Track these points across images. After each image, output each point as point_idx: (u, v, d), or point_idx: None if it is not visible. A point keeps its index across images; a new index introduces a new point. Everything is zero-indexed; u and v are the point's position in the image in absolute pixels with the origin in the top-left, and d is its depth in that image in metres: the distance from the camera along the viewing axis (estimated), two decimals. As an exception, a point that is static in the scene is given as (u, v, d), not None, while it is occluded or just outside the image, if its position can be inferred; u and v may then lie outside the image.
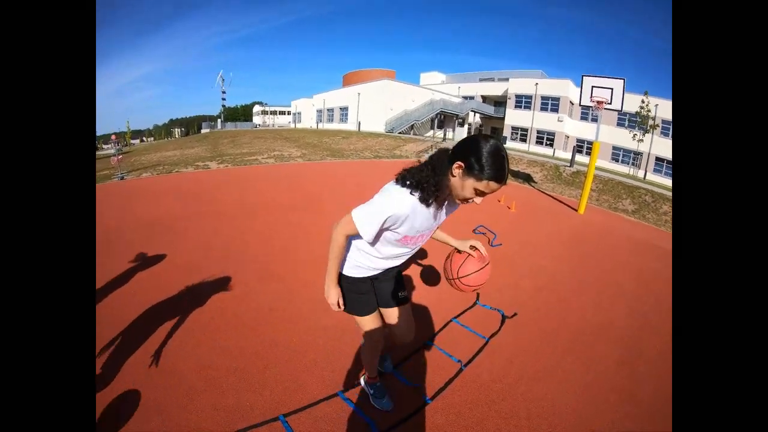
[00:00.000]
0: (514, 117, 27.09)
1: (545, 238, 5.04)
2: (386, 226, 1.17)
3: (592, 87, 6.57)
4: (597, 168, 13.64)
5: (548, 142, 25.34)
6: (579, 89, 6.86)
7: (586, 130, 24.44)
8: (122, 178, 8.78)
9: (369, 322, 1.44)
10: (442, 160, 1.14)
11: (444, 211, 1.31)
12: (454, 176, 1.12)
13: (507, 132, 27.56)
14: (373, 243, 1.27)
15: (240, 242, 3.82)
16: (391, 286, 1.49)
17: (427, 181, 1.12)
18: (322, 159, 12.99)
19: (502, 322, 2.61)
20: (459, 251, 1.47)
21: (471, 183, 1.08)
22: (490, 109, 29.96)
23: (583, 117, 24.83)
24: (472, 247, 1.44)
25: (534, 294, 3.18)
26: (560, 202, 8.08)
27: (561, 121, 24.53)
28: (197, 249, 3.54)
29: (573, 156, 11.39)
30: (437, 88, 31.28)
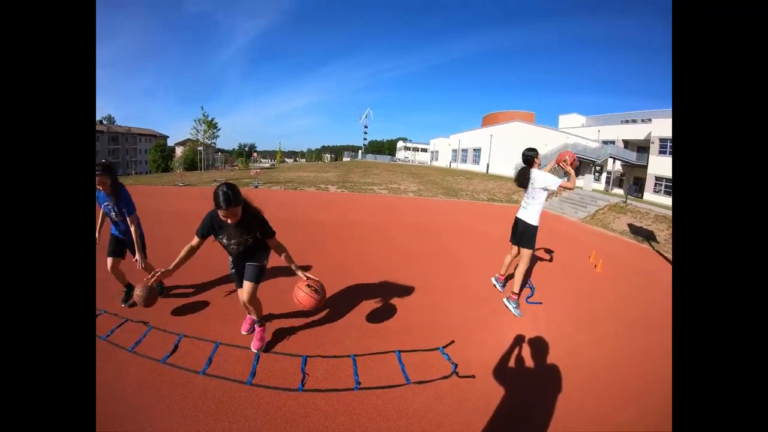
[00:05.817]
0: (658, 165, 21.90)
1: (608, 310, 4.04)
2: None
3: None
4: None
5: (701, 199, 19.38)
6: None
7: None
8: (256, 187, 11.34)
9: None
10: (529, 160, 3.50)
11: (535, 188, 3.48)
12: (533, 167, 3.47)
13: (650, 183, 22.29)
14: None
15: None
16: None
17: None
18: (434, 196, 13.30)
19: (446, 376, 2.38)
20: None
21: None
22: (631, 156, 25.14)
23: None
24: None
25: (518, 366, 2.69)
26: (686, 279, 6.17)
27: (718, 173, 18.38)
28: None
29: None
30: (575, 131, 28.29)
